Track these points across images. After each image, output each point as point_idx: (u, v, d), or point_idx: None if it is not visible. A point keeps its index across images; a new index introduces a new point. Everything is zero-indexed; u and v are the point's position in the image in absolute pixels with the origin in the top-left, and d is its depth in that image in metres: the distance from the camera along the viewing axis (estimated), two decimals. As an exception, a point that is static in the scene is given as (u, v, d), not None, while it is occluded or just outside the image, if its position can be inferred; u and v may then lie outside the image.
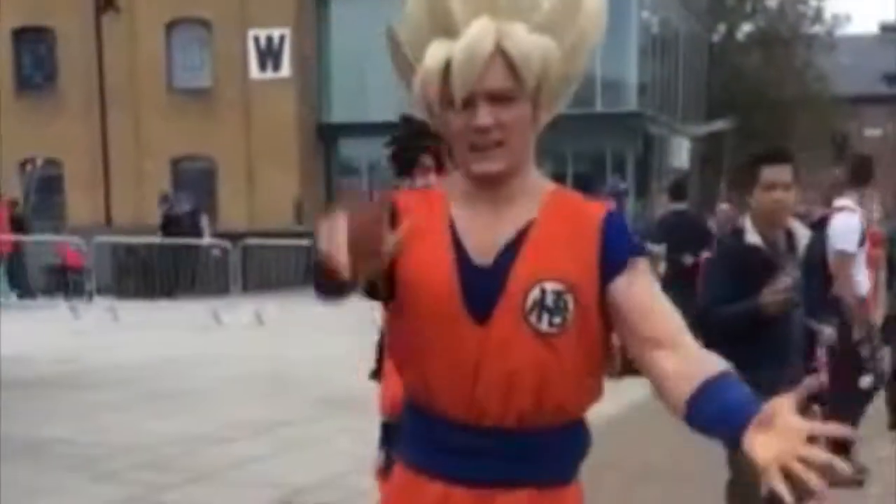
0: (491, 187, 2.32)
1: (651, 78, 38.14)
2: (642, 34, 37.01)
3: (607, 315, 2.33)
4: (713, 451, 8.83)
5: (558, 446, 2.38)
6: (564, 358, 2.28)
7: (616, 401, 11.30)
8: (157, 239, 22.13)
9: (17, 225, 22.28)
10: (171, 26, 35.45)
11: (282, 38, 34.70)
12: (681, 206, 13.17)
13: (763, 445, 1.97)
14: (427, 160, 3.66)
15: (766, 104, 47.31)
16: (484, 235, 2.31)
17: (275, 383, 11.84)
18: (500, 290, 2.26)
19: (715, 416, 2.12)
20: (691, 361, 2.23)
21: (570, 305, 2.25)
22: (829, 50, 51.78)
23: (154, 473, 8.13)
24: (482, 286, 2.27)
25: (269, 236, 22.80)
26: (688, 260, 12.14)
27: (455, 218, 2.34)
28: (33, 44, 37.53)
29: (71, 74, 35.75)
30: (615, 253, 2.29)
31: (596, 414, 8.25)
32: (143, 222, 28.79)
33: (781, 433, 1.96)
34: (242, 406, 10.62)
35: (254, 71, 34.74)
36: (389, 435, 3.81)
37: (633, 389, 11.81)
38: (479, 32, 2.21)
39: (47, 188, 33.10)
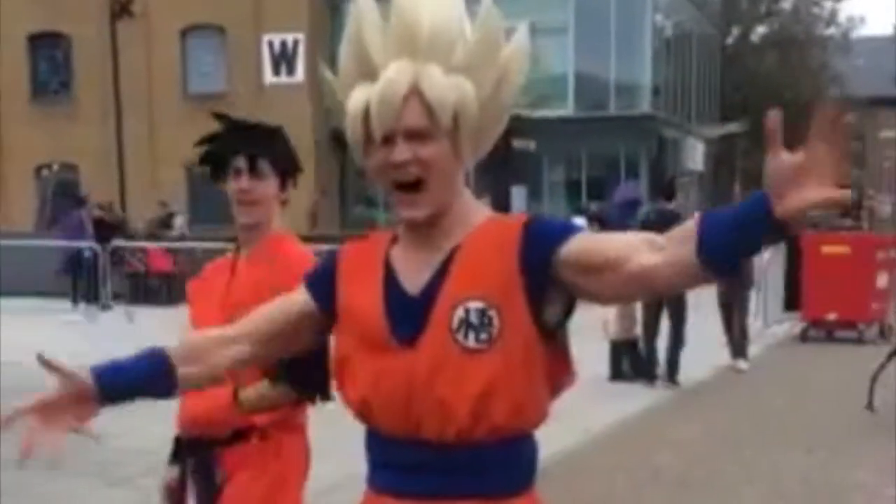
0: (423, 229, 2.43)
1: (664, 80, 38.14)
2: (656, 37, 37.03)
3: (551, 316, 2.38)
4: (725, 457, 8.88)
5: (502, 459, 2.41)
6: (497, 373, 2.33)
7: (626, 405, 11.38)
8: (171, 244, 22.21)
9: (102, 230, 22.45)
10: (185, 32, 35.60)
11: (296, 43, 34.83)
12: (669, 205, 13.26)
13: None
14: (240, 162, 3.57)
15: (780, 106, 47.14)
16: (416, 266, 2.44)
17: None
18: (427, 314, 2.36)
19: (730, 223, 2.09)
20: (671, 236, 2.21)
21: (496, 321, 2.31)
22: (844, 52, 51.72)
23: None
24: (411, 313, 2.38)
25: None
26: None
27: (392, 254, 2.49)
28: (49, 50, 37.71)
29: (86, 80, 35.90)
30: (537, 252, 2.33)
31: (605, 418, 8.32)
32: (158, 228, 28.84)
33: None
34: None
35: (268, 76, 34.86)
36: (180, 450, 3.79)
37: (643, 394, 11.95)
38: (394, 74, 2.34)
39: (63, 194, 33.21)
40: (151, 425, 9.89)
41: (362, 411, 2.47)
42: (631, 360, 12.79)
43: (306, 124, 34.35)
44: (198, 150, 3.73)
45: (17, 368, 12.70)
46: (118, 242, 21.79)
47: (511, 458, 2.42)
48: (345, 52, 2.44)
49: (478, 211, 2.48)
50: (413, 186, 2.38)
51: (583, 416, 10.71)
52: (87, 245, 21.12)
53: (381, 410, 2.42)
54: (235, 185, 3.57)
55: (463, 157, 2.42)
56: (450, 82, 2.35)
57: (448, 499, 2.38)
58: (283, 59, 34.92)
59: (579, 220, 21.31)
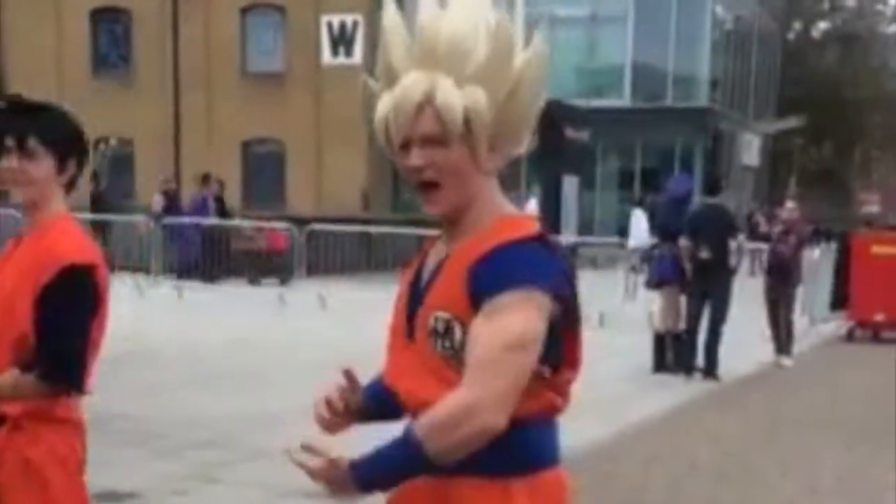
0: (447, 224, 2.64)
1: (723, 73, 37.93)
2: (715, 29, 36.82)
3: None
4: (761, 451, 8.93)
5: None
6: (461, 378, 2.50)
7: (665, 397, 11.43)
8: (219, 221, 22.43)
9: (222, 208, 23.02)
10: (246, 10, 35.71)
11: (354, 25, 34.84)
12: (713, 200, 13.26)
13: None
14: (9, 141, 3.50)
15: (839, 103, 46.81)
16: (432, 265, 2.67)
17: (337, 366, 11.95)
18: (417, 314, 2.61)
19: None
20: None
21: (458, 333, 2.51)
22: (907, 50, 51.10)
23: (212, 451, 8.36)
24: (414, 313, 2.63)
25: (336, 222, 23.01)
26: (704, 254, 12.23)
27: (430, 251, 2.72)
28: (110, 24, 37.93)
29: (146, 56, 36.14)
30: (475, 288, 2.49)
31: (645, 410, 8.37)
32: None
33: None
34: (303, 388, 10.75)
35: (326, 56, 34.90)
36: None
37: (684, 386, 11.99)
38: (408, 84, 2.56)
39: (118, 168, 33.55)
40: (207, 399, 10.15)
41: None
42: (674, 353, 12.82)
43: (362, 107, 34.43)
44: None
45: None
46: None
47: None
48: (378, 61, 2.66)
49: (491, 214, 2.61)
50: (430, 186, 2.58)
51: (622, 406, 10.81)
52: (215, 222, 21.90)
53: (397, 392, 2.70)
54: (5, 164, 3.53)
55: (480, 160, 2.58)
56: (461, 92, 2.52)
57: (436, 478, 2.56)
58: (342, 41, 34.94)
59: (638, 212, 21.26)
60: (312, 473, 2.52)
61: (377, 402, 2.83)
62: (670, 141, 35.36)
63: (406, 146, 2.57)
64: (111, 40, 38.13)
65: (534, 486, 2.61)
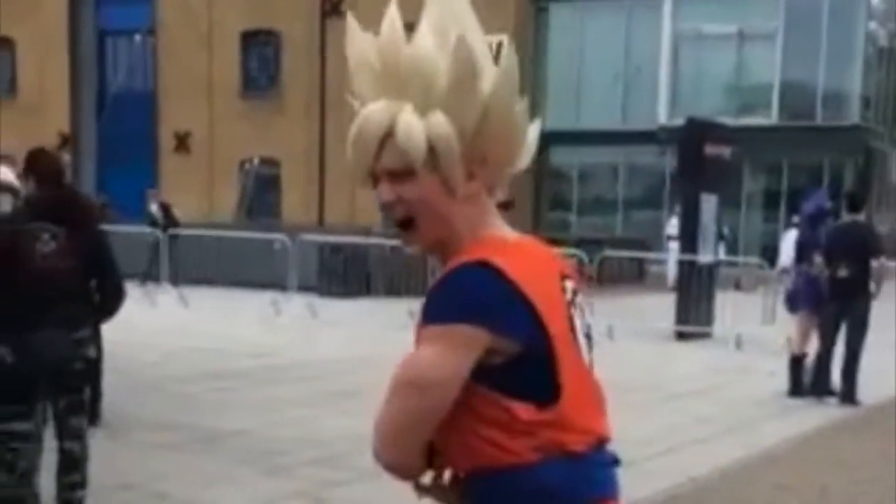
0: (436, 256, 2.48)
1: (875, 90, 36.86)
2: (869, 45, 35.83)
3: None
4: (894, 481, 8.52)
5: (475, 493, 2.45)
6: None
7: (801, 421, 11.03)
8: (358, 239, 22.58)
9: None
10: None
11: (500, 44, 34.86)
12: (855, 217, 12.66)
13: None
14: None
15: None
16: None
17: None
18: None
19: None
20: None
21: None
22: None
23: (326, 470, 8.29)
24: None
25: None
26: (842, 272, 11.75)
27: None
28: (260, 47, 38.70)
29: (294, 77, 36.73)
30: (422, 313, 2.35)
31: (779, 433, 8.09)
32: (355, 222, 29.33)
33: None
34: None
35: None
36: None
37: (821, 411, 11.57)
38: (368, 115, 2.40)
39: (264, 187, 34.05)
40: (327, 418, 10.12)
41: None
42: (812, 377, 12.40)
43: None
44: None
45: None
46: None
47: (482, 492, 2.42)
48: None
49: (465, 242, 2.41)
50: (404, 224, 2.42)
51: (756, 430, 10.51)
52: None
53: None
54: None
55: (454, 187, 2.38)
56: (423, 121, 2.35)
57: None
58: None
59: (791, 235, 20.67)
60: None
61: None
62: (819, 159, 34.53)
63: (376, 180, 2.42)
64: (261, 62, 38.87)
65: None
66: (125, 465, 7.58)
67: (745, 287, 24.02)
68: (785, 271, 18.15)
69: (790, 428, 10.66)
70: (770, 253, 23.35)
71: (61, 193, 6.39)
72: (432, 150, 2.35)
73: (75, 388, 6.29)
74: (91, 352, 6.42)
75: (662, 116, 35.75)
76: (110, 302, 6.49)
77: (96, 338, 6.64)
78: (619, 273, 25.51)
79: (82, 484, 6.34)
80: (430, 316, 2.31)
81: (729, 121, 26.03)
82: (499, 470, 2.35)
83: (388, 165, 2.38)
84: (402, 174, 2.37)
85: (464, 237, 2.41)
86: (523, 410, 2.31)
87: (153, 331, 14.91)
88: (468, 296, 2.28)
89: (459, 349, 2.26)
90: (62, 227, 6.08)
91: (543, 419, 2.32)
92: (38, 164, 6.44)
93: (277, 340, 15.28)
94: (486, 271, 2.30)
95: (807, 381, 12.34)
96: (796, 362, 12.41)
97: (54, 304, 5.81)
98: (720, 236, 25.78)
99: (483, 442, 2.34)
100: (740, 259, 25.91)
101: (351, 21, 2.53)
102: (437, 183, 2.37)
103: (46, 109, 37.59)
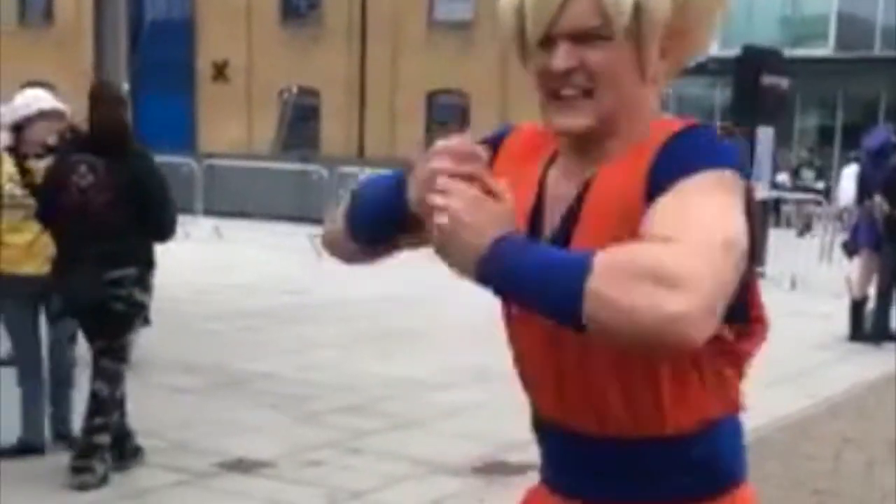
0: (579, 147, 1.93)
1: (936, 21, 35.88)
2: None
3: None
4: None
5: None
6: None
7: (864, 369, 10.43)
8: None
9: None
10: (436, -42, 35.41)
11: None
12: None
13: None
14: None
15: None
16: (558, 197, 1.96)
17: (497, 328, 11.31)
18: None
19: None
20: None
21: None
22: None
23: (358, 418, 7.78)
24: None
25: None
26: None
27: (548, 179, 2.00)
28: (300, -27, 38.16)
29: (335, 4, 36.16)
30: (658, 178, 1.77)
31: (841, 382, 7.40)
32: (395, 155, 28.84)
33: None
34: (461, 351, 10.13)
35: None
36: None
37: (885, 357, 10.95)
38: None
39: (302, 117, 33.56)
40: (360, 361, 9.62)
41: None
42: (872, 321, 11.86)
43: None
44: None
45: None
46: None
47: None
48: None
49: (648, 124, 1.90)
50: (576, 95, 1.89)
51: (815, 378, 9.97)
52: None
53: (529, 386, 2.11)
54: None
55: (647, 65, 1.89)
56: None
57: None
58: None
59: (850, 171, 19.99)
60: (451, 205, 1.78)
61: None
62: (875, 93, 33.65)
63: (546, 43, 1.87)
64: (300, -11, 38.38)
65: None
66: (145, 410, 7.09)
67: (796, 224, 23.49)
68: (846, 210, 17.58)
69: (853, 376, 10.10)
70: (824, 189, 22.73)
71: (108, 123, 6.09)
72: (638, 9, 1.83)
73: (111, 332, 6.04)
74: (136, 293, 6.07)
75: (714, 47, 34.90)
76: (155, 235, 6.20)
77: (144, 279, 6.16)
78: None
79: (104, 427, 6.08)
80: (698, 166, 1.76)
81: (783, 50, 25.26)
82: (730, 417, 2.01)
83: (577, 23, 1.85)
84: (593, 36, 1.85)
85: (638, 121, 1.90)
86: (728, 332, 1.89)
87: (184, 264, 14.40)
88: (724, 146, 1.84)
89: (737, 195, 1.77)
90: (101, 159, 5.90)
91: (735, 351, 1.95)
92: (99, 96, 6.28)
93: (313, 277, 14.77)
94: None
95: (867, 326, 11.84)
96: (857, 306, 11.91)
97: (90, 241, 5.73)
98: (812, 166, 25.06)
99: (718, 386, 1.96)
100: (796, 195, 25.27)
101: None
102: (631, 52, 1.87)
103: (82, 39, 37.16)
